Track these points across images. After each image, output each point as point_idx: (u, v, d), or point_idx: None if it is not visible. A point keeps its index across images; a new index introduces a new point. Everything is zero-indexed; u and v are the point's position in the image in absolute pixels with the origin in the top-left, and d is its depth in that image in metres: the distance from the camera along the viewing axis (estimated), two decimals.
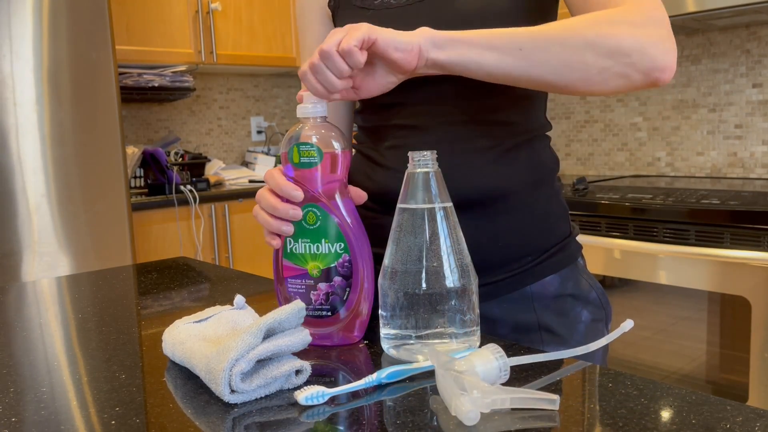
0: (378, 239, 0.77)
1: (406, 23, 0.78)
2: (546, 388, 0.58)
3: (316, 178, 0.69)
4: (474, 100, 0.80)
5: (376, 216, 0.85)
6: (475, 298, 0.65)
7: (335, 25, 0.91)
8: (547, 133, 0.88)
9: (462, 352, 0.62)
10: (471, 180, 0.79)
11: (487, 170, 0.80)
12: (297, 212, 0.69)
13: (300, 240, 0.70)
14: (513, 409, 0.53)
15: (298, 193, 0.69)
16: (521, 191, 0.81)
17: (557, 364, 0.63)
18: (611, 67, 0.66)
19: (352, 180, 0.91)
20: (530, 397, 0.53)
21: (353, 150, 0.93)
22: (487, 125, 0.80)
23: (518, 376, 0.60)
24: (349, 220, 0.70)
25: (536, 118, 0.85)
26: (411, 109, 0.82)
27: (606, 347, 0.86)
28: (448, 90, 0.79)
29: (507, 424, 0.51)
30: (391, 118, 0.84)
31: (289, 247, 0.71)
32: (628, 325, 0.64)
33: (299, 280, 0.71)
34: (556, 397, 0.53)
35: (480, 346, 0.60)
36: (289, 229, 0.70)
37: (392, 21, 0.79)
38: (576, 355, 0.64)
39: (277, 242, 0.72)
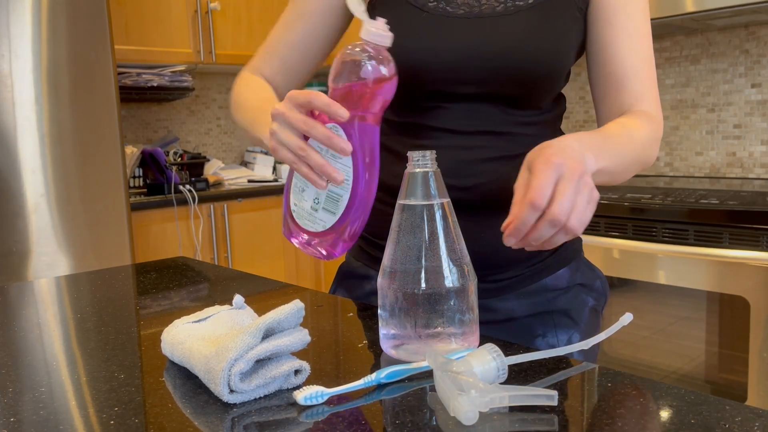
0: None
1: (460, 37, 0.81)
2: (546, 387, 0.58)
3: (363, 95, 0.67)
4: (512, 116, 0.84)
5: None
6: (473, 298, 0.65)
7: (375, 13, 0.88)
8: None
9: (460, 352, 0.62)
10: (501, 183, 0.84)
11: (515, 175, 0.83)
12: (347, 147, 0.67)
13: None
14: (512, 410, 0.53)
15: (344, 111, 0.66)
16: None
17: (556, 364, 0.63)
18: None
19: None
20: (528, 394, 0.53)
21: None
22: (519, 137, 0.85)
23: (517, 376, 0.60)
24: (364, 148, 0.68)
25: (557, 131, 0.92)
26: (452, 114, 0.84)
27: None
28: (487, 104, 0.83)
29: (506, 425, 0.51)
30: (429, 119, 0.86)
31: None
32: (627, 318, 0.64)
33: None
34: (554, 393, 0.53)
35: (479, 346, 0.60)
36: (339, 176, 0.69)
37: (446, 30, 0.82)
38: (574, 351, 0.64)
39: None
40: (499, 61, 0.80)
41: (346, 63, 0.68)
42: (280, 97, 0.96)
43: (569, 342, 0.88)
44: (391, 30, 0.84)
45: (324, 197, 0.71)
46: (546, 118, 0.87)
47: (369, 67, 0.67)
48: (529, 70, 0.81)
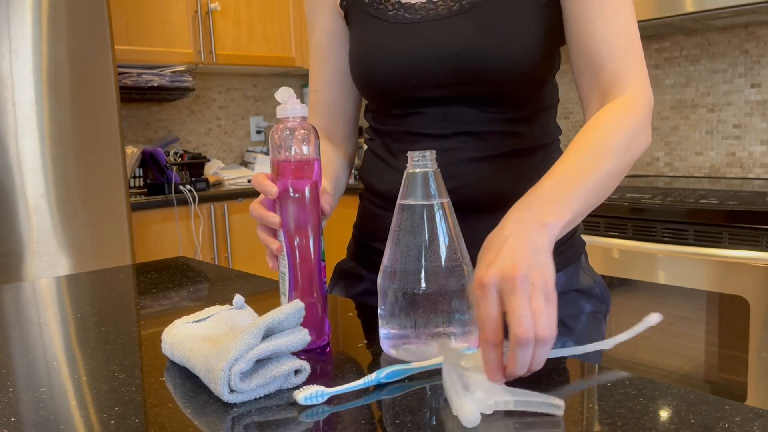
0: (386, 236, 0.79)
1: (420, 42, 0.81)
2: (547, 387, 0.58)
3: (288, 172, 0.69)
4: (490, 114, 0.82)
5: (387, 214, 0.87)
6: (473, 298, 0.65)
7: (349, 28, 0.92)
8: (558, 137, 0.92)
9: (472, 348, 0.62)
10: (484, 185, 0.83)
11: (500, 176, 0.83)
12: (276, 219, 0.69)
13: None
14: (513, 412, 0.53)
15: (272, 189, 0.68)
16: None
17: (556, 364, 0.63)
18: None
19: (364, 179, 0.94)
20: (534, 400, 0.53)
21: (365, 147, 0.95)
22: (501, 135, 0.83)
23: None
24: (288, 226, 0.69)
25: (547, 125, 0.88)
26: (427, 118, 0.84)
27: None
28: (460, 105, 0.82)
29: (506, 425, 0.51)
30: (407, 125, 0.86)
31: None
32: (653, 319, 0.60)
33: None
34: (561, 402, 0.52)
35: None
36: (273, 245, 0.70)
37: (406, 37, 0.82)
38: (591, 350, 0.64)
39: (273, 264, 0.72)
40: (458, 62, 0.79)
41: (271, 141, 0.70)
42: (340, 141, 0.99)
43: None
44: (358, 43, 0.86)
45: (280, 281, 0.72)
46: (528, 113, 0.84)
47: (286, 144, 0.69)
48: (488, 67, 0.78)
